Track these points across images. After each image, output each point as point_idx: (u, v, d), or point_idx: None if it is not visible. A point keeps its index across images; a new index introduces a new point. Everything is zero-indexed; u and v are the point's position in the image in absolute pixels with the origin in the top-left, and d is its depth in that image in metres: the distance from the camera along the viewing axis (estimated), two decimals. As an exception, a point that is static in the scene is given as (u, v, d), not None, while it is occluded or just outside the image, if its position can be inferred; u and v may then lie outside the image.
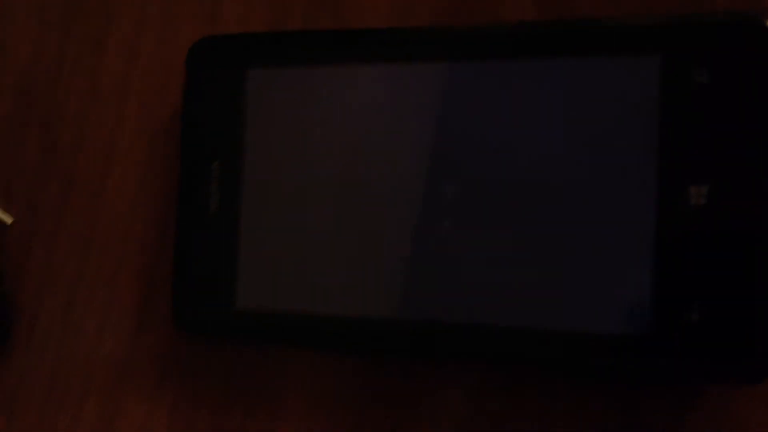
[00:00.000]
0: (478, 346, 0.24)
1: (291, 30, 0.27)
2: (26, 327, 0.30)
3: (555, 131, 0.23)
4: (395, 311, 0.24)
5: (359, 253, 0.25)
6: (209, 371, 0.28)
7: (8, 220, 0.30)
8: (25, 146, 0.30)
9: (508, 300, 0.23)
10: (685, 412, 0.24)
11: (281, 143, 0.26)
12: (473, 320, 0.24)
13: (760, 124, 0.21)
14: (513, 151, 0.24)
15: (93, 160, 0.30)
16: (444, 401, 0.26)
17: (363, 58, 0.25)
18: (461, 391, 0.26)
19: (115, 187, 0.30)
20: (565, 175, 0.23)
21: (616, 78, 0.23)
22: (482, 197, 0.24)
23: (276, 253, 0.26)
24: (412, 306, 0.24)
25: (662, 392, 0.24)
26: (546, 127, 0.23)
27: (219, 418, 0.28)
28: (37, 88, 0.31)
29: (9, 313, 0.30)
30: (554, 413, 0.25)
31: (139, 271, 0.29)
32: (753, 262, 0.21)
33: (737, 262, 0.22)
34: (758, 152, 0.21)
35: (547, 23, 0.24)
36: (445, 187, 0.24)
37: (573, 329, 0.23)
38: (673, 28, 0.22)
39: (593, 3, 0.25)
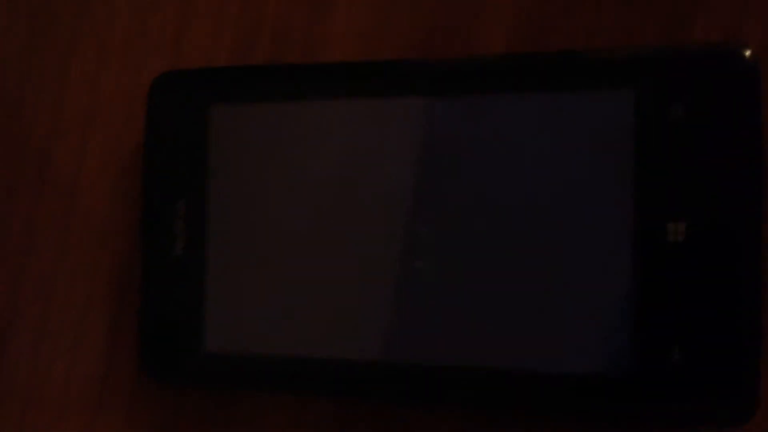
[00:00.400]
0: (458, 388, 0.23)
1: (254, 65, 0.27)
2: (-9, 371, 0.29)
3: (530, 167, 0.23)
4: (366, 353, 0.24)
5: (331, 294, 0.24)
6: (180, 416, 0.27)
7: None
8: (-13, 183, 0.30)
9: (486, 342, 0.23)
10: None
11: (247, 181, 0.25)
12: (452, 363, 0.23)
13: (737, 157, 0.21)
14: (488, 188, 0.23)
15: (57, 197, 0.29)
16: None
17: (329, 93, 0.24)
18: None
19: (80, 224, 0.29)
20: (541, 213, 0.22)
21: (591, 112, 0.22)
22: (458, 237, 0.23)
23: (245, 294, 0.25)
24: (387, 348, 0.23)
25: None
26: (520, 163, 0.23)
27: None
28: (-3, 123, 0.30)
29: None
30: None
31: (108, 310, 0.28)
32: (733, 299, 0.21)
33: (718, 299, 0.21)
34: (735, 187, 0.21)
35: (519, 57, 0.23)
36: (420, 225, 0.23)
37: (553, 371, 0.22)
38: (648, 61, 0.21)
39: (565, 36, 0.24)
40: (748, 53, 0.21)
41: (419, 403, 0.25)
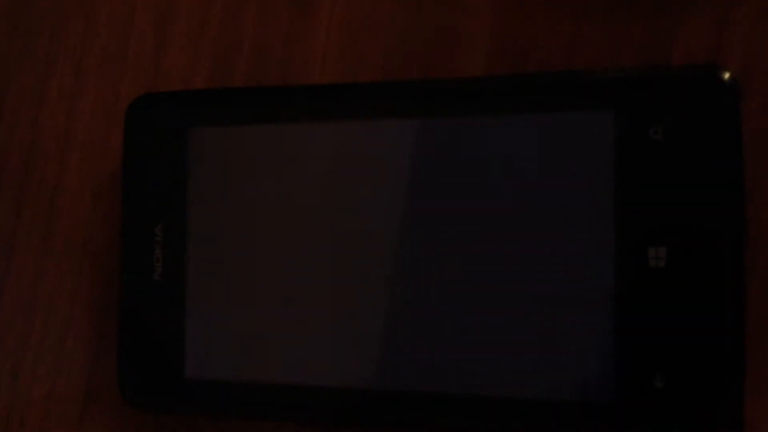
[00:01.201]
0: (441, 415, 0.23)
1: (233, 87, 0.26)
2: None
3: (509, 189, 0.22)
4: (351, 381, 0.23)
5: (311, 321, 0.24)
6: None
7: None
8: (-36, 206, 0.29)
9: (468, 369, 0.22)
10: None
11: (226, 204, 0.25)
12: (434, 389, 0.23)
13: (717, 181, 0.21)
14: (466, 213, 0.23)
15: (35, 220, 0.29)
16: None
17: (308, 115, 0.24)
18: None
19: (58, 247, 0.29)
20: (521, 237, 0.22)
21: (570, 134, 0.22)
22: (439, 261, 0.23)
23: (225, 319, 0.25)
24: (369, 376, 0.23)
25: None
26: (500, 185, 0.22)
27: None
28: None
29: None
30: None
31: (87, 335, 0.28)
32: (714, 324, 0.21)
33: (699, 325, 0.21)
34: (716, 211, 0.21)
35: (497, 79, 0.23)
36: (401, 250, 0.23)
37: (536, 398, 0.22)
38: (627, 83, 0.21)
39: (544, 57, 0.24)
40: (726, 75, 0.21)
41: (400, 429, 0.25)
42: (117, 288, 0.27)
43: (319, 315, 0.24)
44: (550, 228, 0.22)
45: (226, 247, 0.25)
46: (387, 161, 0.23)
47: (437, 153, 0.23)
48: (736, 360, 0.21)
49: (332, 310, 0.24)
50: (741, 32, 0.22)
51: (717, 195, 0.21)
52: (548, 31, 0.24)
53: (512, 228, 0.22)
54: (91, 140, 0.28)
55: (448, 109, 0.23)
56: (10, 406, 0.29)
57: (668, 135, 0.21)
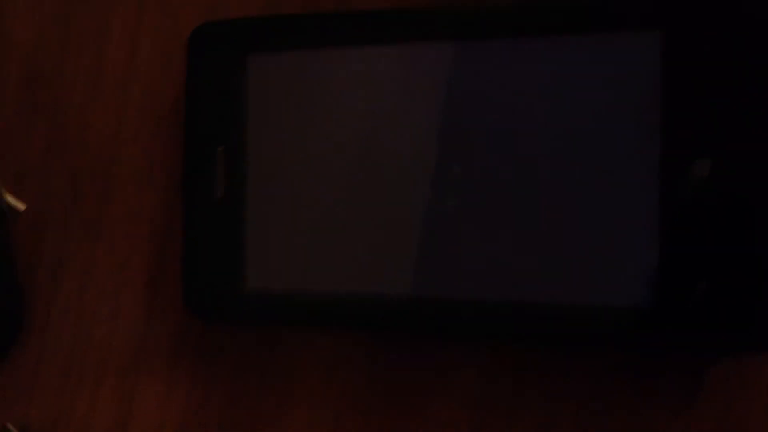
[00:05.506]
0: (487, 322, 0.24)
1: (291, 13, 0.27)
2: (41, 314, 0.30)
3: (558, 108, 0.23)
4: (403, 288, 0.24)
5: (367, 232, 0.25)
6: (223, 350, 0.28)
7: (21, 207, 0.30)
8: (33, 135, 0.31)
9: (516, 276, 0.23)
10: (699, 379, 0.24)
11: (285, 126, 0.26)
12: (482, 297, 0.24)
13: (762, 96, 0.21)
14: (517, 129, 0.24)
15: (100, 147, 0.30)
16: (456, 380, 0.26)
17: (364, 40, 0.25)
18: (473, 370, 0.26)
19: (123, 171, 0.30)
20: (569, 152, 0.23)
21: (618, 53, 0.22)
22: (488, 175, 0.24)
23: (283, 234, 0.26)
24: (420, 283, 0.24)
25: (674, 363, 0.24)
26: (549, 104, 0.23)
27: (234, 397, 0.28)
28: (41, 78, 0.31)
29: (22, 301, 0.30)
30: (565, 387, 0.25)
31: (150, 253, 0.29)
32: (756, 232, 0.21)
33: (741, 232, 0.22)
34: (761, 124, 0.21)
35: (545, 0, 0.23)
36: (452, 165, 0.24)
37: (581, 303, 0.23)
38: (674, 1, 0.22)
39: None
40: (773, -7, 0.21)
41: (450, 336, 0.26)
42: (177, 210, 0.29)
43: (373, 228, 0.25)
44: (598, 142, 0.23)
45: (284, 165, 0.26)
46: (440, 82, 0.24)
47: (488, 74, 0.24)
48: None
49: (386, 222, 0.25)
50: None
51: (762, 108, 0.21)
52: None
53: (560, 143, 0.23)
54: (153, 72, 0.30)
55: (498, 31, 0.24)
56: (78, 324, 0.30)
57: (713, 51, 0.22)
